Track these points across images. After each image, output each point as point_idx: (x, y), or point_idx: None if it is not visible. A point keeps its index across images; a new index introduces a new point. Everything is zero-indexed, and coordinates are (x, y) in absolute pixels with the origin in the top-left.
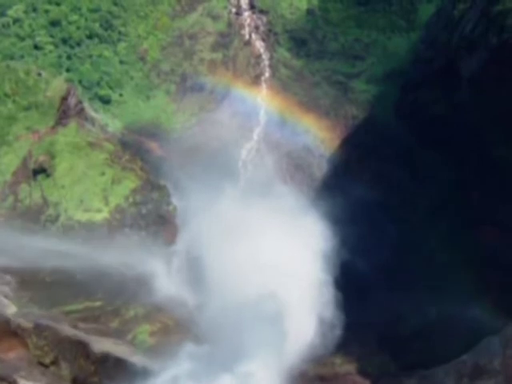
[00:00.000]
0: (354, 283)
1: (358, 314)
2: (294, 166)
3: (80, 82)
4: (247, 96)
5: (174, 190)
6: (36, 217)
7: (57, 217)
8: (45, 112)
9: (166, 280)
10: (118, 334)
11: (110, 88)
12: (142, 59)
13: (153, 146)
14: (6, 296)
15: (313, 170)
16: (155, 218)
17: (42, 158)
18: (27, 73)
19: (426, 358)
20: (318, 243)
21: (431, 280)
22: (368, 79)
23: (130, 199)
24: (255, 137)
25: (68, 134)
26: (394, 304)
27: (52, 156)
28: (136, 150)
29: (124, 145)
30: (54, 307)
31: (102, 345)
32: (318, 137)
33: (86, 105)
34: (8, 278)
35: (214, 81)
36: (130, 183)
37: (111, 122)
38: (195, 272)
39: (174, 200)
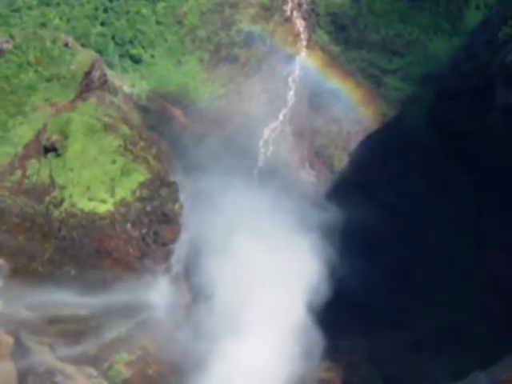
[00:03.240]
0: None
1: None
2: (315, 153)
3: (113, 37)
4: (279, 74)
5: (188, 165)
6: (41, 197)
7: (61, 201)
8: (66, 85)
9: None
10: (95, 362)
11: (143, 47)
12: (179, 22)
13: (177, 112)
14: None
15: (333, 162)
16: (159, 216)
17: (54, 137)
18: (54, 42)
19: (414, 373)
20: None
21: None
22: (403, 77)
23: (137, 193)
24: (281, 117)
25: (85, 112)
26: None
27: (65, 135)
28: (160, 115)
29: (147, 110)
30: (41, 307)
31: None
32: (344, 127)
33: (110, 72)
34: (1, 262)
35: (249, 54)
36: (139, 176)
37: (138, 83)
38: (193, 282)
39: (186, 179)
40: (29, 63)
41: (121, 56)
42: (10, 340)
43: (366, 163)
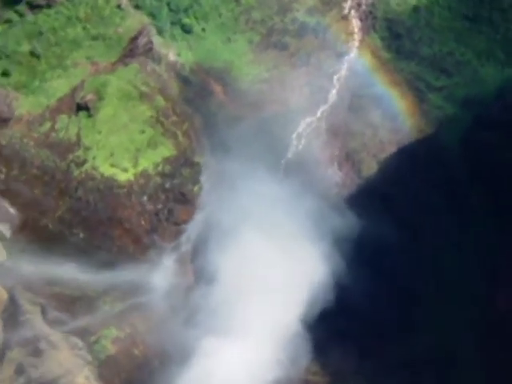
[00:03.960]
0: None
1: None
2: (345, 155)
3: (168, 3)
4: (325, 70)
5: (217, 145)
6: (64, 153)
7: (83, 161)
8: (111, 46)
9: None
10: (82, 333)
11: (196, 18)
12: (237, 0)
13: (217, 89)
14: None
15: (362, 167)
16: (177, 195)
17: (89, 97)
18: (107, 1)
19: None
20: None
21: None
22: (447, 97)
23: (159, 168)
24: (319, 113)
25: (124, 77)
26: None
27: (100, 97)
28: (199, 89)
29: (188, 82)
30: (44, 264)
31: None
32: (379, 135)
33: (158, 39)
34: (12, 213)
35: (299, 44)
36: (165, 151)
37: (185, 53)
38: (198, 264)
39: (212, 159)
40: (78, 18)
41: (172, 23)
42: (4, 295)
43: (394, 175)
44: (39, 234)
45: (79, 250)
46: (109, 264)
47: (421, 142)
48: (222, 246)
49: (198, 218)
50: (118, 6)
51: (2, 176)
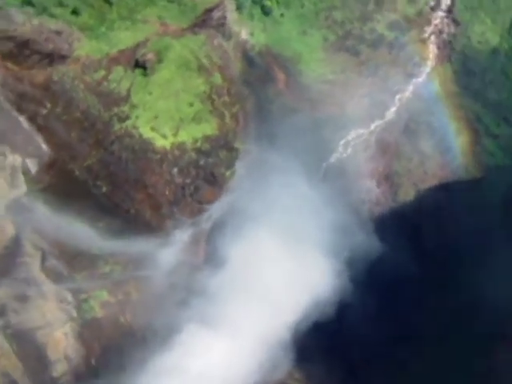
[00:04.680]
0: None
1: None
2: (386, 175)
3: None
4: (390, 87)
5: (264, 133)
6: (110, 105)
7: (126, 117)
8: (184, 12)
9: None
10: (75, 289)
11: (277, 3)
12: None
13: (280, 77)
14: (24, 172)
15: (399, 191)
16: (207, 175)
17: (149, 56)
18: None
19: None
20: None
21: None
22: (503, 146)
23: (198, 144)
24: (372, 127)
25: (189, 46)
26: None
27: (160, 59)
28: (262, 73)
29: (253, 64)
30: (59, 210)
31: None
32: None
33: (234, 15)
34: (44, 150)
35: (371, 55)
36: (207, 128)
37: (257, 34)
38: (211, 246)
39: (254, 146)
40: None
41: (254, 2)
42: (11, 231)
43: (429, 208)
44: (63, 178)
45: (98, 204)
46: (122, 229)
47: (464, 184)
48: (239, 235)
49: (223, 202)
50: None
51: (45, 111)
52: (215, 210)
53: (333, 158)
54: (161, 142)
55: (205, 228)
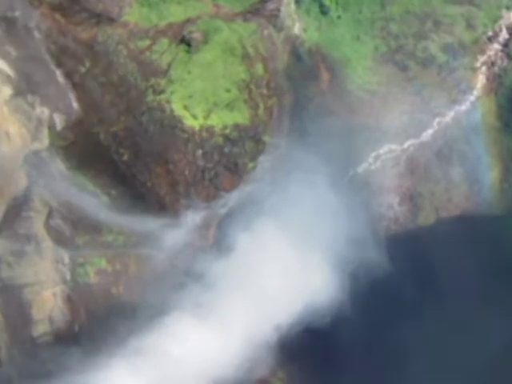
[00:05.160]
0: None
1: None
2: (410, 196)
3: None
4: (431, 109)
5: (296, 131)
6: (148, 75)
7: (161, 91)
8: None
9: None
10: (73, 251)
11: (337, 4)
12: (382, 5)
13: (325, 78)
14: (50, 126)
15: (420, 215)
16: (229, 163)
17: (196, 35)
18: None
19: None
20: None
21: None
22: None
23: (226, 131)
24: (406, 145)
25: (238, 32)
26: None
27: (206, 40)
28: (307, 70)
29: (300, 60)
30: (75, 170)
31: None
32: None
33: (291, 8)
34: (74, 108)
35: (419, 73)
36: (239, 117)
37: (311, 32)
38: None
39: (283, 142)
40: None
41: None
42: (23, 183)
43: (445, 236)
44: (87, 139)
45: (115, 171)
46: (135, 201)
47: (487, 219)
48: (250, 227)
49: (241, 192)
50: None
51: (83, 70)
52: (232, 197)
53: (360, 168)
54: (190, 122)
55: (218, 214)
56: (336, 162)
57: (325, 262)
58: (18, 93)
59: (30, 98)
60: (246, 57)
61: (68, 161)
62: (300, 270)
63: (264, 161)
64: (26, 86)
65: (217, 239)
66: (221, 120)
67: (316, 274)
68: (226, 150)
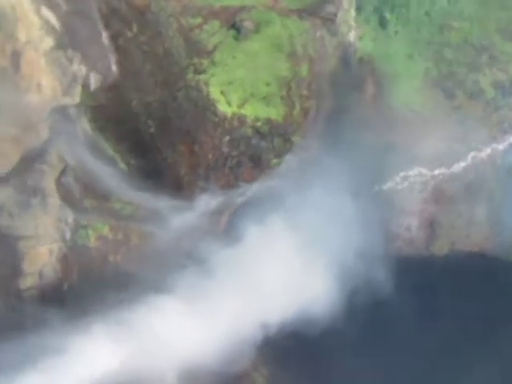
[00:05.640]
0: None
1: None
2: (430, 222)
3: None
4: (469, 141)
5: (331, 137)
6: (192, 53)
7: (202, 71)
8: None
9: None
10: (79, 215)
11: (397, 19)
12: (445, 28)
13: (370, 90)
14: (84, 84)
15: (435, 244)
16: (254, 156)
17: (248, 23)
18: None
19: None
20: None
21: None
22: None
23: (258, 124)
24: (436, 172)
25: (290, 28)
26: None
27: (257, 30)
28: (353, 79)
29: (347, 66)
30: (99, 132)
31: None
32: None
33: (349, 14)
34: (112, 71)
35: (466, 104)
36: (273, 113)
37: (366, 41)
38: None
39: (316, 145)
40: None
41: (375, 9)
42: (44, 134)
43: (456, 272)
44: (118, 105)
45: (139, 141)
46: (152, 175)
47: (501, 264)
48: (262, 222)
49: (260, 185)
50: None
51: (129, 35)
52: (251, 189)
53: (386, 186)
54: (224, 108)
55: (234, 202)
56: (363, 174)
57: (328, 271)
58: (60, 46)
59: (70, 53)
60: (292, 54)
61: (94, 122)
62: (301, 273)
63: (290, 160)
64: (68, 41)
65: (228, 227)
66: (254, 111)
67: (316, 281)
68: (254, 141)
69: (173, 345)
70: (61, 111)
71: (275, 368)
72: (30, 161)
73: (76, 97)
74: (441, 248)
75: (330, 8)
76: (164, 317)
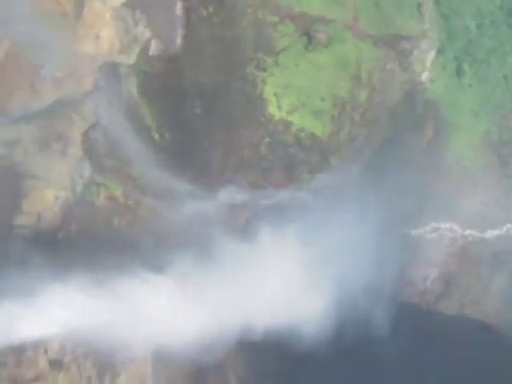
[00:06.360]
0: None
1: None
2: (447, 280)
3: (470, 41)
4: (509, 210)
5: (370, 169)
6: (259, 49)
7: (262, 69)
8: (381, 22)
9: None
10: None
11: (474, 73)
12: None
13: (427, 134)
14: (143, 49)
15: (446, 299)
16: (287, 164)
17: (322, 35)
18: None
19: None
20: None
21: None
22: None
23: (301, 134)
24: (467, 232)
25: (361, 52)
26: None
27: (329, 44)
28: (414, 119)
29: (412, 106)
30: (145, 101)
31: None
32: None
33: (425, 54)
34: (177, 43)
35: None
36: (319, 129)
37: (437, 85)
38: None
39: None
40: None
41: (455, 57)
42: (89, 87)
43: (456, 336)
44: (170, 78)
45: (179, 118)
46: (182, 155)
47: (505, 341)
48: (280, 231)
49: (286, 194)
50: (419, 6)
51: (204, 13)
52: (277, 195)
53: (415, 231)
54: (273, 110)
55: (259, 203)
56: (395, 214)
57: (328, 296)
58: (129, 5)
59: (138, 14)
60: (356, 78)
61: (142, 87)
62: (300, 290)
63: (323, 179)
64: (140, 3)
65: (245, 225)
66: (301, 122)
67: (313, 301)
68: (292, 151)
69: (153, 321)
70: (111, 67)
71: (251, 373)
72: (64, 106)
73: (132, 58)
74: (449, 307)
75: (407, 44)
76: (151, 292)
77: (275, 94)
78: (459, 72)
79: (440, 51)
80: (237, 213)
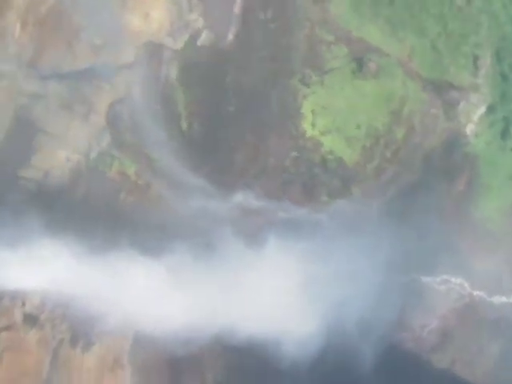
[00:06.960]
0: None
1: None
2: (446, 333)
3: None
4: None
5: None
6: (308, 62)
7: (306, 84)
8: (434, 67)
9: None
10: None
11: None
12: None
13: (459, 186)
14: (191, 36)
15: (441, 352)
16: (308, 183)
17: (373, 65)
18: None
19: None
20: None
21: None
22: None
23: (329, 156)
24: (475, 294)
25: (408, 91)
26: None
27: (377, 76)
28: (449, 168)
29: (451, 155)
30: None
31: None
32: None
33: (473, 108)
34: (228, 39)
35: None
36: (348, 155)
37: (480, 140)
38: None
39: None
40: None
41: (504, 117)
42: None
43: None
44: (214, 70)
45: (212, 112)
46: (205, 150)
47: None
48: (287, 246)
49: (304, 212)
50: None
51: (261, 16)
52: (296, 211)
53: (425, 279)
54: (307, 126)
55: (275, 215)
56: (409, 258)
57: (320, 320)
58: None
59: (195, 1)
60: (396, 114)
61: (182, 73)
62: (294, 308)
63: (342, 205)
64: None
65: (256, 232)
66: (332, 145)
67: (304, 322)
68: (316, 170)
69: (138, 302)
70: (155, 48)
71: (228, 377)
72: (96, 75)
73: (179, 42)
74: (440, 361)
75: (455, 94)
76: (142, 274)
77: (313, 111)
78: (505, 134)
79: (490, 108)
80: (250, 218)
